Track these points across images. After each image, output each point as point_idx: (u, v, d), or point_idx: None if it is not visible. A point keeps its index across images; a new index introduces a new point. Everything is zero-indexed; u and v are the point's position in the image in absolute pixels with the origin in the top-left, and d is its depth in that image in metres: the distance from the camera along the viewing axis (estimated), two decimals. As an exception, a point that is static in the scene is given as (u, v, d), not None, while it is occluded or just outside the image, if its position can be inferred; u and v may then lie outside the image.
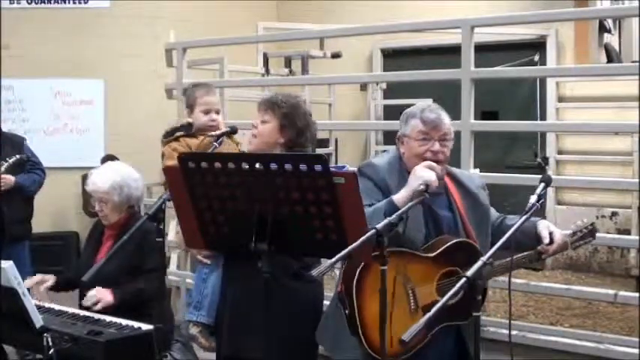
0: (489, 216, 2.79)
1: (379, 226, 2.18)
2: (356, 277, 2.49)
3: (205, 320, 3.03)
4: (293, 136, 2.89)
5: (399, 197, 2.50)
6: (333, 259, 2.09)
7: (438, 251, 2.58)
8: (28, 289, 3.06)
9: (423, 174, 2.48)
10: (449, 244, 2.59)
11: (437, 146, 2.62)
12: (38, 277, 3.41)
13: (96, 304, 3.11)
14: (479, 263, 2.10)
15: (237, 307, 2.89)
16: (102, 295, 3.15)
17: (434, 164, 2.54)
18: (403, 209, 2.33)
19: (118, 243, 2.76)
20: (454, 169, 2.85)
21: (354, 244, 2.13)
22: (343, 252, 2.12)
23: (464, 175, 2.89)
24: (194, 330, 3.05)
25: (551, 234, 2.65)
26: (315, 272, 2.09)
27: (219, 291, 3.02)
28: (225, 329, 2.93)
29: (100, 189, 3.36)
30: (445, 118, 2.66)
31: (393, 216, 2.24)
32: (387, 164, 2.71)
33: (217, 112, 3.42)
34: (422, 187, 2.43)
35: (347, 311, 2.52)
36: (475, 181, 2.86)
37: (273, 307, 2.47)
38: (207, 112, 3.36)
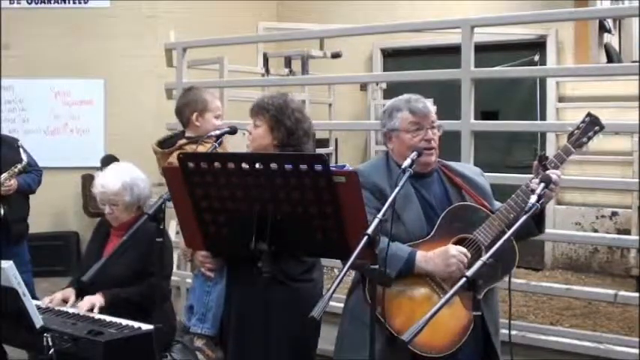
0: (492, 197, 2.79)
1: (369, 230, 2.15)
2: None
3: (210, 332, 3.03)
4: (282, 136, 2.91)
5: (420, 259, 2.49)
6: (330, 291, 2.03)
7: (434, 229, 2.58)
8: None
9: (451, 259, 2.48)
10: (441, 217, 2.59)
11: (429, 134, 2.66)
12: (59, 294, 3.27)
13: (90, 309, 3.08)
14: (479, 263, 2.09)
15: (240, 311, 2.89)
16: (93, 300, 3.12)
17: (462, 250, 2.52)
18: (387, 205, 2.30)
19: (119, 243, 2.75)
20: (449, 162, 2.86)
21: (352, 258, 2.09)
22: (342, 272, 2.08)
23: (460, 165, 2.92)
24: (199, 342, 3.05)
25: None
26: (316, 313, 2.04)
27: (223, 302, 3.02)
28: (231, 333, 2.93)
29: (110, 190, 3.30)
30: (430, 105, 2.73)
31: (380, 213, 2.22)
32: (372, 167, 2.73)
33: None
34: None
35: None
36: (471, 168, 2.91)
37: (273, 307, 2.47)
38: (217, 117, 3.45)
